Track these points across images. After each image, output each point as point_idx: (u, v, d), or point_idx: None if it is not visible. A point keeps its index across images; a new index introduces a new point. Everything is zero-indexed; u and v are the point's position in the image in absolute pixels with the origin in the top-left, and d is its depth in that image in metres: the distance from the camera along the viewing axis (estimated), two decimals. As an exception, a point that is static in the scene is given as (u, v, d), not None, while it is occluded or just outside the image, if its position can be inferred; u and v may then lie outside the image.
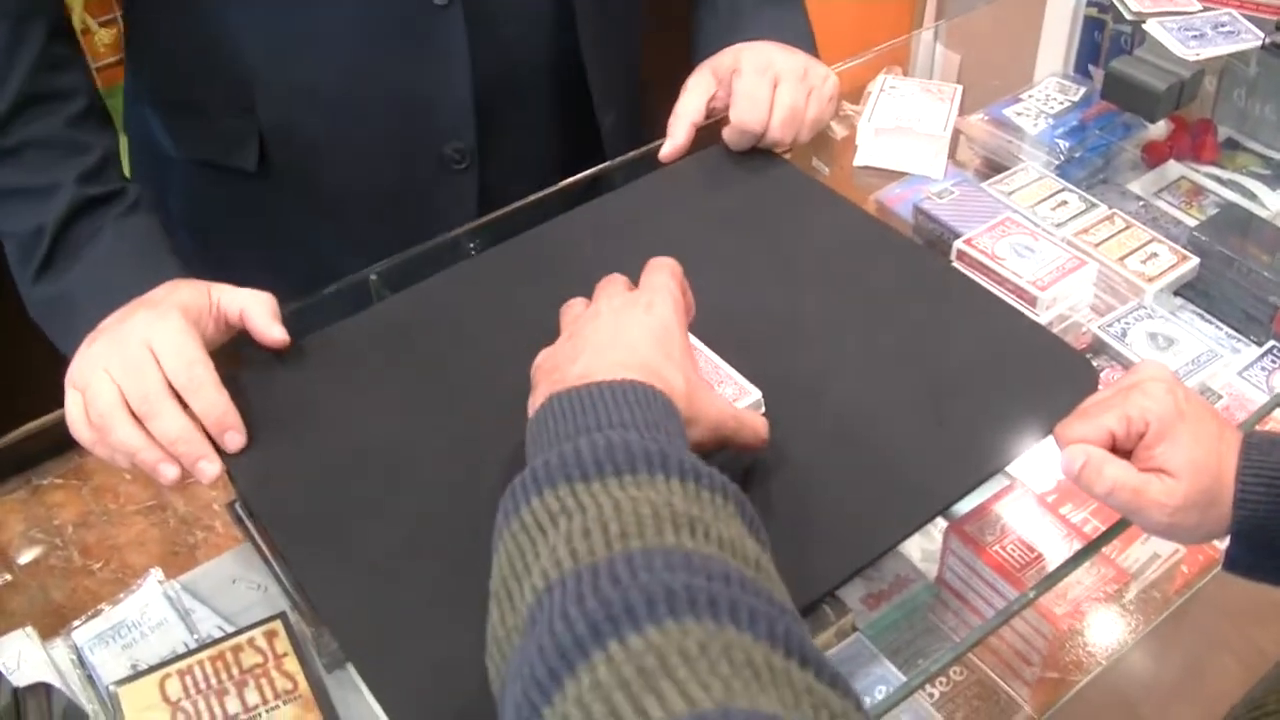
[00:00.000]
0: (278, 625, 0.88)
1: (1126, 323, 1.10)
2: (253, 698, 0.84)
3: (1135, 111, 1.29)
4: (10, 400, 1.22)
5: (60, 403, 0.89)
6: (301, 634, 0.89)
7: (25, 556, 2.06)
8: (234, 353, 0.95)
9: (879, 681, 0.85)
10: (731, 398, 0.86)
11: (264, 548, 0.91)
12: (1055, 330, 1.04)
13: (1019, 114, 1.40)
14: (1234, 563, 0.82)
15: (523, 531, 0.60)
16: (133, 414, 0.86)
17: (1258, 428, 0.98)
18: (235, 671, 0.85)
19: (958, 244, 1.14)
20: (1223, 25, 1.30)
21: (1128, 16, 1.32)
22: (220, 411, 0.87)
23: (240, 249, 1.23)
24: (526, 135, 1.23)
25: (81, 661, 0.91)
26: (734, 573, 0.54)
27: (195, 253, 1.09)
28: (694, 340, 0.89)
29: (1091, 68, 1.49)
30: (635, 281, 0.83)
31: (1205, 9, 1.32)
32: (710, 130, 1.17)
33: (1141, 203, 1.28)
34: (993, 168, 1.34)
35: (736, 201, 1.11)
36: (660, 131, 1.17)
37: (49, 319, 0.98)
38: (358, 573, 0.80)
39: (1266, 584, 0.82)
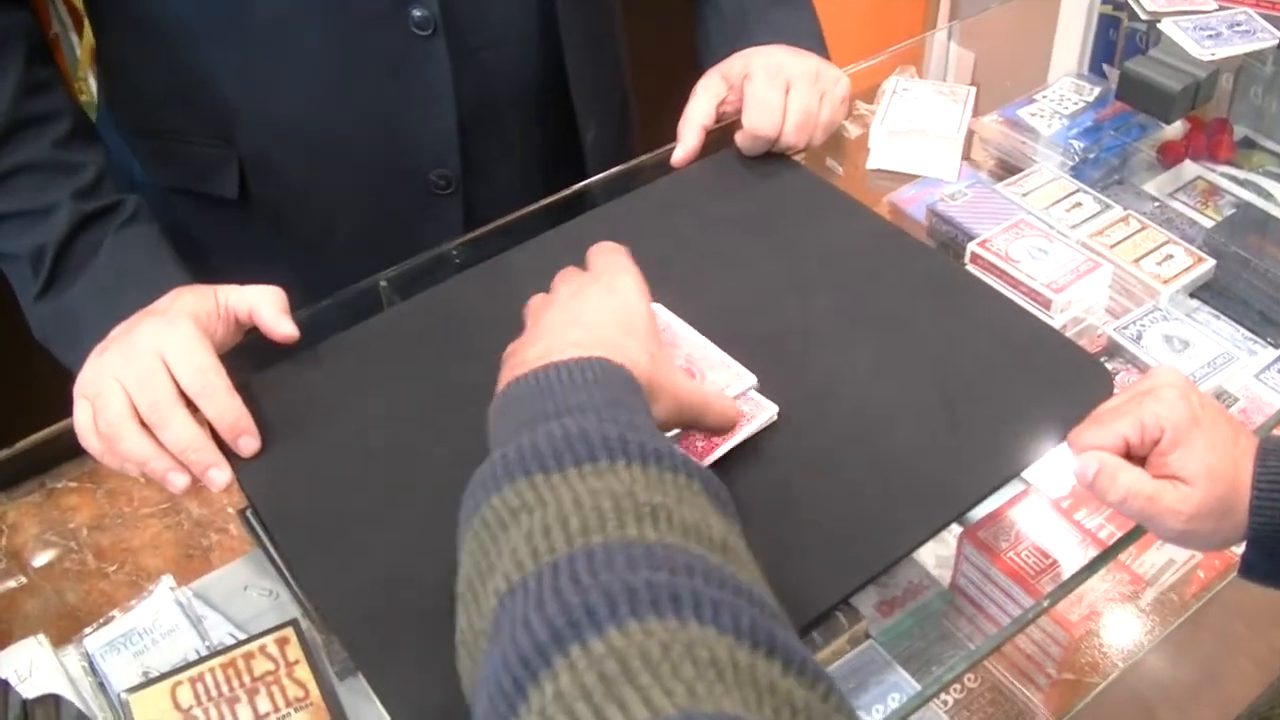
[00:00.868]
0: (289, 632, 0.88)
1: (1142, 325, 1.09)
2: (264, 705, 0.84)
3: (1150, 112, 1.28)
4: (25, 403, 1.23)
5: (70, 411, 0.89)
6: (313, 641, 0.88)
7: (40, 559, 2.06)
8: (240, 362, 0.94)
9: (892, 689, 0.85)
10: (724, 383, 0.86)
11: (275, 555, 0.91)
12: (1070, 333, 1.03)
13: (1033, 115, 1.39)
14: (1250, 569, 0.82)
15: (485, 529, 0.60)
16: (142, 423, 0.86)
17: (1275, 431, 0.97)
18: (247, 679, 0.85)
19: (971, 246, 1.13)
20: (1239, 24, 1.29)
21: (1143, 16, 1.31)
22: (234, 416, 0.87)
23: (221, 276, 1.21)
24: (509, 155, 1.22)
25: (93, 669, 0.91)
26: (698, 563, 0.54)
27: None
28: (683, 324, 0.90)
29: (1106, 67, 1.48)
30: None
31: (1221, 8, 1.31)
32: (716, 134, 1.17)
33: (1157, 204, 1.27)
34: (1007, 169, 1.34)
35: (750, 205, 1.10)
36: (640, 143, 1.17)
37: (54, 336, 0.98)
38: (366, 581, 0.80)
39: (1283, 590, 0.82)
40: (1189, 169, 1.32)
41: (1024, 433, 0.87)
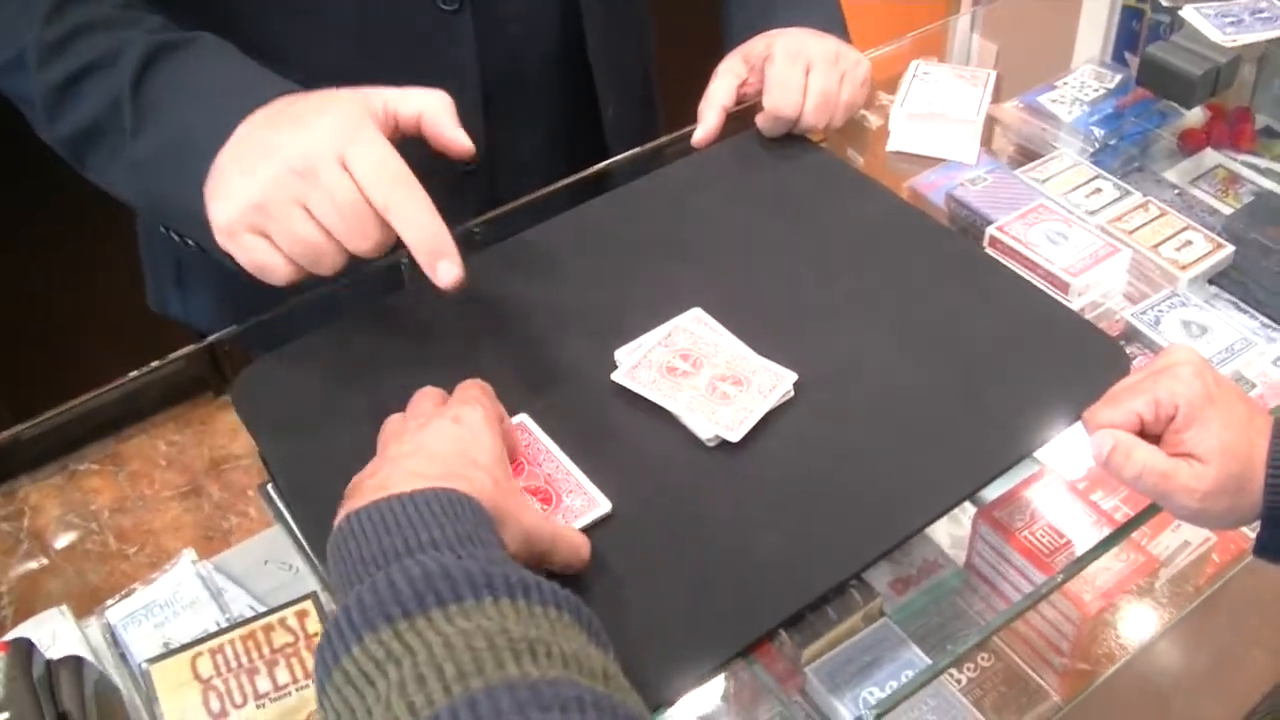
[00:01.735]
0: (309, 605, 0.89)
1: (1160, 310, 1.09)
2: (283, 676, 0.85)
3: (1171, 98, 1.28)
4: (46, 387, 1.24)
5: (90, 386, 0.86)
6: (332, 614, 0.89)
7: (62, 541, 2.08)
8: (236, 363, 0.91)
9: (906, 666, 0.85)
10: (579, 508, 0.81)
11: (295, 529, 0.92)
12: (1088, 318, 1.03)
13: (1054, 101, 1.39)
14: (1265, 548, 0.82)
15: (348, 685, 0.55)
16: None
17: (1292, 415, 0.97)
18: (266, 650, 0.86)
19: (990, 230, 1.13)
20: (1261, 11, 1.28)
21: (1165, 4, 1.31)
22: (432, 234, 0.77)
23: None
24: (534, 131, 1.22)
25: (115, 639, 0.92)
26: (586, 694, 0.51)
27: (196, 257, 0.97)
28: (550, 443, 0.85)
29: (1128, 55, 1.47)
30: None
31: (1243, -6, 1.31)
32: (737, 116, 1.17)
33: (1177, 190, 1.27)
34: (1026, 155, 1.34)
35: (771, 186, 1.11)
36: (665, 123, 1.17)
37: (157, 176, 0.85)
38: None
39: (1297, 571, 0.82)
40: (1210, 157, 1.32)
41: (1040, 413, 0.87)
